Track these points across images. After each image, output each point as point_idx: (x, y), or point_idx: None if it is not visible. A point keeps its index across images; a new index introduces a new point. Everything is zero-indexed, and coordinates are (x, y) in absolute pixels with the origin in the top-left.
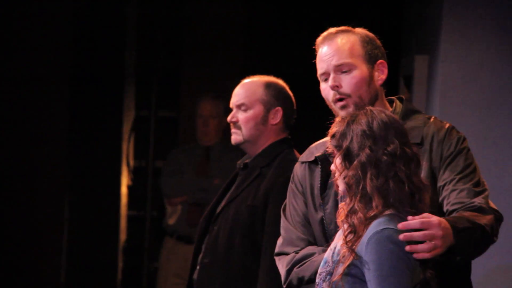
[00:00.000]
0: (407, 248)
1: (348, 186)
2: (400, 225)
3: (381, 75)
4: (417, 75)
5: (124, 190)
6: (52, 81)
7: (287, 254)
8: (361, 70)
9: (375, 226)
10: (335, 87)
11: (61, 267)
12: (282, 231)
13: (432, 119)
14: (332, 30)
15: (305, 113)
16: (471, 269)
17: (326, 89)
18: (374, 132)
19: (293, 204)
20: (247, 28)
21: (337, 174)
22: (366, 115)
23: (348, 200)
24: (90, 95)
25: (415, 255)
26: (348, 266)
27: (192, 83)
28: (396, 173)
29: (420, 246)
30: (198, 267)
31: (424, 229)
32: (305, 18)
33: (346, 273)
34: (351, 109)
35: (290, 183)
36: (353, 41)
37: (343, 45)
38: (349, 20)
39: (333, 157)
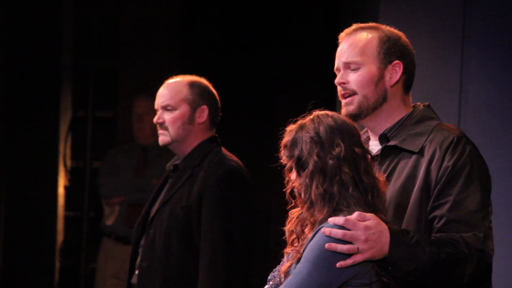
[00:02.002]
0: (326, 246)
1: (298, 194)
2: (330, 219)
3: (393, 76)
4: None
5: (61, 190)
6: None
7: None
8: (369, 69)
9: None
10: (341, 84)
11: None
12: None
13: (442, 126)
14: (355, 26)
15: (240, 113)
16: None
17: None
18: (321, 138)
19: None
20: (183, 27)
21: (290, 183)
22: (313, 122)
23: (299, 208)
24: (26, 96)
25: (337, 265)
26: (291, 265)
27: (129, 83)
28: (341, 177)
29: (339, 246)
30: (136, 272)
31: (348, 229)
32: (242, 19)
33: (288, 271)
34: (353, 107)
35: None
36: (369, 39)
37: (357, 42)
38: (284, 20)
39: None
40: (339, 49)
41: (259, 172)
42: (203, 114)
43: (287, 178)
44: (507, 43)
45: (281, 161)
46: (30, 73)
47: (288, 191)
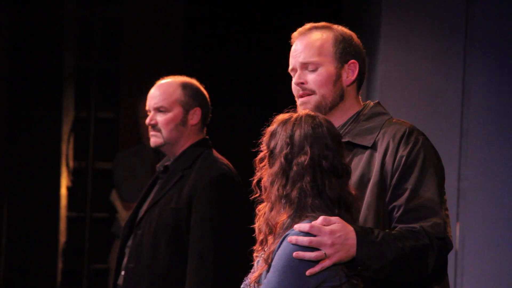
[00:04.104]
0: (294, 254)
1: (264, 188)
2: (295, 226)
3: (350, 76)
4: None
5: (63, 191)
6: None
7: None
8: (327, 68)
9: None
10: (300, 84)
11: (0, 268)
12: None
13: (393, 120)
14: (308, 25)
15: (241, 112)
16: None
17: (293, 85)
18: (294, 141)
19: None
20: (185, 28)
21: (259, 173)
22: (294, 122)
23: (265, 204)
24: (29, 96)
25: (307, 273)
26: (261, 274)
27: (131, 84)
28: (302, 185)
29: (307, 254)
30: (123, 273)
31: (314, 235)
32: (244, 19)
33: (259, 281)
34: (310, 106)
35: None
36: (325, 39)
37: (313, 42)
38: (286, 22)
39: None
40: (293, 49)
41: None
42: (195, 116)
43: (257, 168)
44: (509, 44)
45: (261, 146)
46: (33, 74)
47: (255, 181)
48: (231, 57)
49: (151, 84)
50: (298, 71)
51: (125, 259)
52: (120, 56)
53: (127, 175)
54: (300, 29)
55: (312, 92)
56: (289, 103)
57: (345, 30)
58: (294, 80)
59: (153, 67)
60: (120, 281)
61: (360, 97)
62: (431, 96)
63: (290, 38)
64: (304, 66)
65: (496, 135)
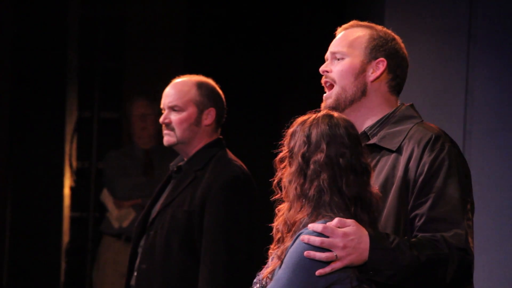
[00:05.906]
0: (305, 253)
1: (284, 188)
2: (309, 225)
3: (375, 72)
4: None
5: (67, 191)
6: None
7: None
8: (351, 60)
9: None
10: (324, 72)
11: (4, 268)
12: None
13: (421, 125)
14: (352, 22)
15: (244, 113)
16: None
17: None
18: (311, 140)
19: None
20: (188, 29)
21: (279, 174)
22: (312, 122)
23: (284, 204)
24: (32, 96)
25: (317, 273)
26: (274, 270)
27: (135, 84)
28: (319, 183)
29: (317, 254)
30: (135, 273)
31: (327, 236)
32: (247, 20)
33: (271, 277)
34: (331, 100)
35: None
36: (361, 34)
37: (348, 35)
38: (288, 21)
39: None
40: (333, 41)
41: (263, 172)
42: (210, 116)
43: (278, 169)
44: None
45: (282, 148)
46: (36, 73)
47: (276, 181)
48: (234, 57)
49: (154, 84)
50: (328, 60)
51: (138, 260)
52: (124, 56)
53: (120, 173)
54: (344, 25)
55: (334, 82)
56: (293, 103)
57: (388, 32)
58: (320, 68)
59: (156, 67)
60: (133, 281)
61: (397, 99)
62: (434, 96)
63: (292, 37)
64: (333, 55)
65: (499, 135)
